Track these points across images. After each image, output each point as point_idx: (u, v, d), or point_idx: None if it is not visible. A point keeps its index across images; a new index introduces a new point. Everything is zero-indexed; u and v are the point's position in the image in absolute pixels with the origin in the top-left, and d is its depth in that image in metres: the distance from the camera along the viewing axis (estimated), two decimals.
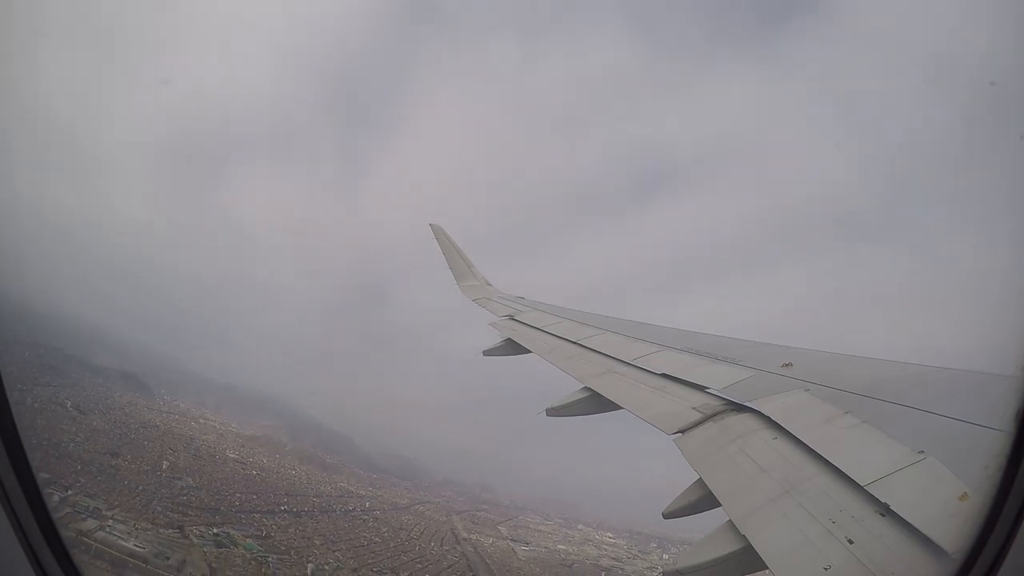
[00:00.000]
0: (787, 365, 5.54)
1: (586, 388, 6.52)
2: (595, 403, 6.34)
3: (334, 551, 38.97)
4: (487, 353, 9.75)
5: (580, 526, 70.50)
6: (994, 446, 2.39)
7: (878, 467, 3.39)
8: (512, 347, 9.14)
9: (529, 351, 8.73)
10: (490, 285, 13.58)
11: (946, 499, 2.95)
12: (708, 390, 5.46)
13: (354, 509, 49.87)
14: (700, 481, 4.20)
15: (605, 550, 62.55)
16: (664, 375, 6.10)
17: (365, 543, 42.46)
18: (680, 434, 4.79)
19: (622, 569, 54.71)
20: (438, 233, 15.03)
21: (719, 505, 3.93)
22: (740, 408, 4.89)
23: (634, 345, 7.33)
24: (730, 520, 3.56)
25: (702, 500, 4.21)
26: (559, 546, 58.57)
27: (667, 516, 4.66)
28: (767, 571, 3.18)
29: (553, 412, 6.95)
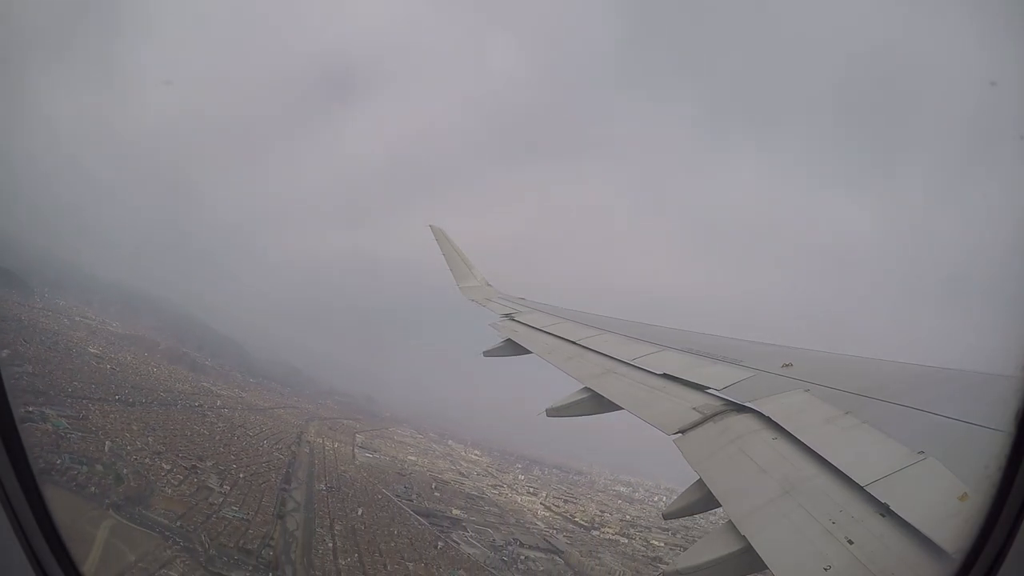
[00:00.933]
0: (787, 365, 5.53)
1: (586, 388, 6.51)
2: (595, 403, 6.34)
3: (146, 436, 39.37)
4: (487, 354, 9.75)
5: (450, 442, 73.08)
6: (994, 446, 2.39)
7: (878, 467, 3.38)
8: (512, 347, 9.14)
9: (529, 351, 8.72)
10: (490, 285, 13.57)
11: (946, 499, 2.95)
12: (708, 390, 5.45)
13: (201, 406, 50.92)
14: (700, 481, 4.20)
15: (461, 465, 64.29)
16: (664, 375, 6.09)
17: (187, 434, 43.15)
18: (680, 434, 4.79)
19: (463, 482, 55.63)
20: (438, 234, 15.02)
21: (719, 505, 3.93)
22: (740, 408, 4.88)
23: (634, 345, 7.32)
24: (730, 520, 3.56)
25: (702, 500, 4.21)
26: (410, 457, 60.04)
27: (667, 517, 4.65)
28: (767, 571, 3.18)
29: (553, 412, 6.96)
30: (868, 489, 3.23)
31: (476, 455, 69.98)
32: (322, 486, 43.20)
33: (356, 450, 56.21)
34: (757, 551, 3.23)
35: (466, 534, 42.24)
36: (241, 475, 39.57)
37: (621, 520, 54.02)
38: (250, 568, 30.45)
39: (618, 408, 5.98)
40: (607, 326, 8.59)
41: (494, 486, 58.40)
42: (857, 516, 3.13)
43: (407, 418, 77.52)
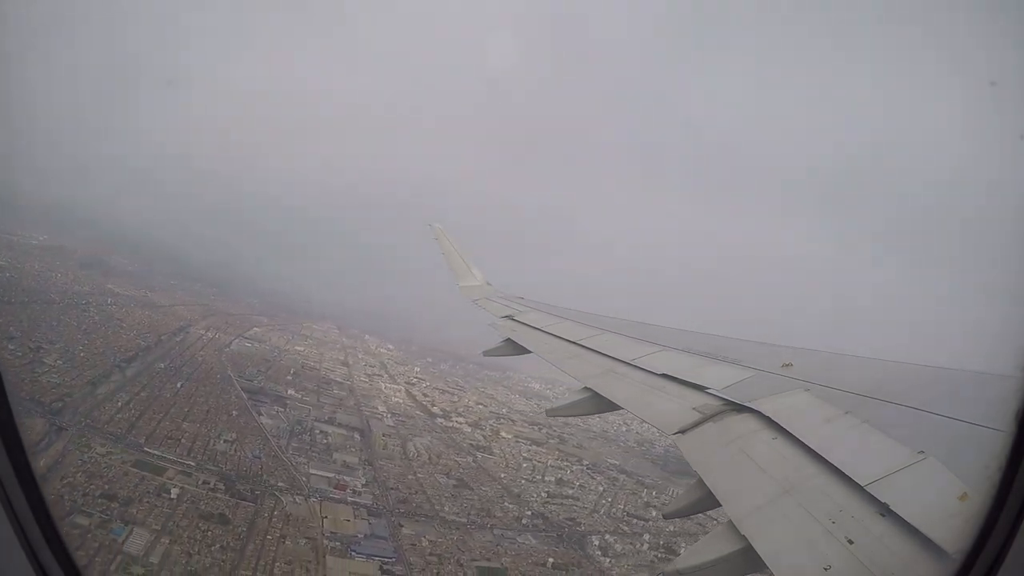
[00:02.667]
0: (787, 365, 5.53)
1: (586, 388, 6.51)
2: (595, 403, 6.34)
3: (8, 328, 39.86)
4: (487, 353, 9.76)
5: (367, 337, 74.26)
6: (994, 446, 2.38)
7: (878, 467, 3.39)
8: (512, 347, 9.14)
9: (529, 351, 8.72)
10: (490, 285, 13.58)
11: (946, 499, 2.95)
12: (708, 390, 5.45)
13: (88, 304, 51.68)
14: (700, 481, 4.20)
15: (358, 357, 64.75)
16: (664, 375, 6.09)
17: (54, 325, 43.76)
18: (680, 434, 4.79)
19: (336, 370, 56.29)
20: (439, 234, 15.04)
21: (719, 505, 3.93)
22: (740, 408, 4.88)
23: (634, 345, 7.32)
24: (730, 520, 3.56)
25: (702, 500, 4.21)
26: (297, 348, 60.44)
27: (667, 517, 4.65)
28: (767, 571, 3.18)
29: (553, 412, 6.96)
30: (868, 489, 3.23)
31: (386, 349, 70.63)
32: (162, 364, 43.62)
33: (238, 341, 56.59)
34: (757, 551, 3.23)
35: (278, 409, 42.24)
36: (82, 354, 40.04)
37: (494, 413, 54.13)
38: (40, 412, 31.31)
39: (618, 408, 5.98)
40: (607, 326, 8.59)
41: (372, 376, 58.74)
42: (857, 516, 3.13)
43: (330, 315, 78.53)
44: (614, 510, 38.95)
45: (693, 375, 5.84)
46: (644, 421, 5.40)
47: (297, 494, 31.73)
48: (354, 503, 32.60)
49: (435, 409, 52.61)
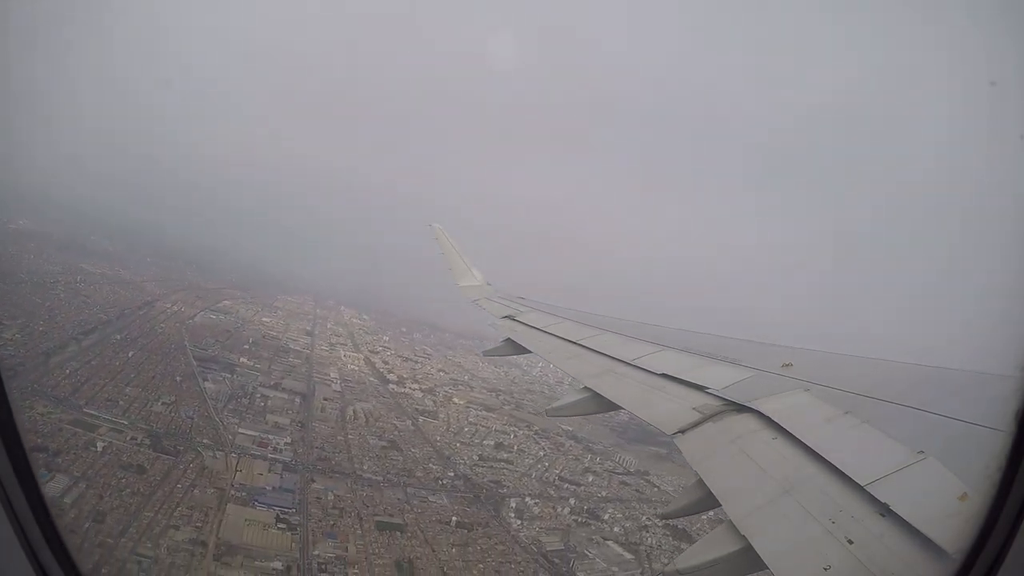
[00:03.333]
0: (787, 365, 5.53)
1: (586, 388, 6.51)
2: (595, 403, 6.34)
3: None
4: (487, 353, 9.76)
5: (343, 308, 74.53)
6: (994, 446, 2.38)
7: (878, 467, 3.39)
8: (512, 347, 9.14)
9: (529, 351, 8.73)
10: (490, 285, 13.59)
11: (946, 499, 2.95)
12: (708, 390, 5.45)
13: (57, 282, 52.52)
14: (700, 481, 4.20)
15: (327, 327, 64.68)
16: (664, 375, 6.09)
17: (19, 303, 44.53)
18: (680, 434, 4.79)
19: (299, 339, 56.15)
20: (439, 234, 15.04)
21: (719, 505, 3.93)
22: (740, 408, 4.88)
23: (634, 345, 7.32)
24: (730, 520, 3.56)
25: (702, 500, 4.21)
26: (263, 319, 60.54)
27: (666, 517, 4.66)
28: (767, 571, 3.18)
29: (553, 412, 6.96)
30: (868, 489, 3.23)
31: (360, 320, 70.71)
32: (118, 336, 43.81)
33: (204, 313, 56.73)
34: (757, 551, 3.23)
35: (225, 375, 42.34)
36: (42, 328, 40.57)
37: (453, 380, 53.76)
38: None
39: (618, 408, 5.98)
40: (607, 326, 8.59)
41: (335, 344, 58.84)
42: (857, 516, 3.13)
43: (319, 291, 78.47)
44: (547, 475, 38.31)
45: (693, 375, 5.84)
46: (644, 421, 5.40)
47: (219, 450, 32.28)
48: (273, 459, 32.88)
49: (391, 376, 52.15)
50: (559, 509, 33.81)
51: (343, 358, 55.23)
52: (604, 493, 36.35)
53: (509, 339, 9.29)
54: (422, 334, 69.25)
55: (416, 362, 58.39)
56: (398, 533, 28.30)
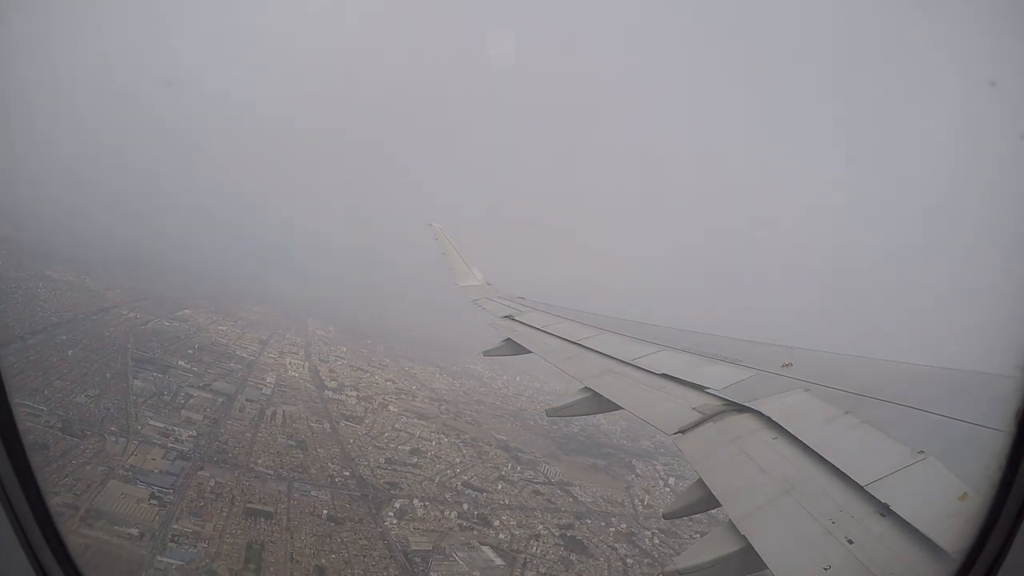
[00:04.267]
0: (787, 365, 5.53)
1: (586, 388, 6.51)
2: (595, 403, 6.34)
3: None
4: (487, 353, 9.75)
5: (309, 320, 72.17)
6: (994, 446, 2.38)
7: (878, 467, 3.39)
8: (512, 347, 9.14)
9: (529, 351, 8.73)
10: (490, 285, 13.59)
11: (946, 499, 2.95)
12: (708, 390, 5.45)
13: (16, 289, 52.16)
14: (700, 481, 4.20)
15: (284, 337, 62.67)
16: (664, 375, 6.09)
17: None
18: (680, 434, 4.79)
19: (248, 347, 55.16)
20: (439, 234, 15.05)
21: (719, 505, 3.93)
22: (740, 408, 4.88)
23: (634, 345, 7.32)
24: (730, 520, 3.56)
25: (702, 500, 4.21)
26: (220, 327, 59.16)
27: (667, 516, 4.65)
28: (767, 571, 3.18)
29: (553, 413, 6.96)
30: (868, 489, 3.23)
31: (324, 331, 70.04)
32: (64, 336, 43.44)
33: (157, 320, 55.55)
34: (757, 551, 3.23)
35: (157, 375, 41.58)
36: None
37: (399, 389, 52.33)
38: None
39: (618, 408, 5.98)
40: (607, 326, 8.59)
41: (285, 352, 57.48)
42: (857, 516, 3.13)
43: (298, 301, 77.59)
44: (452, 481, 36.99)
45: (693, 375, 5.84)
46: (644, 421, 5.40)
47: (122, 436, 32.56)
48: (171, 448, 32.84)
49: (331, 383, 51.14)
50: (447, 513, 33.12)
51: (287, 365, 54.55)
52: (507, 501, 35.39)
53: (509, 339, 9.29)
54: (388, 345, 68.53)
55: (366, 371, 57.46)
56: (263, 519, 28.28)
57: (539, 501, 36.34)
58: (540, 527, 32.31)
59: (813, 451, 3.84)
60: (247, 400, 42.55)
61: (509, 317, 10.37)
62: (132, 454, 31.22)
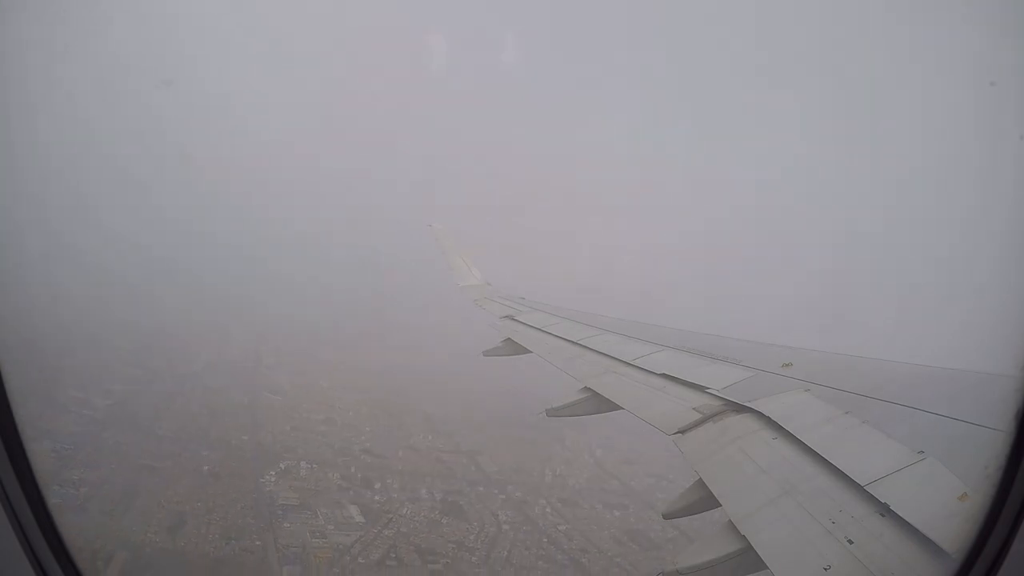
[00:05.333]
0: (787, 365, 5.54)
1: (586, 388, 6.52)
2: (595, 403, 6.34)
3: None
4: (487, 353, 9.75)
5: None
6: (994, 446, 2.39)
7: (878, 467, 3.39)
8: (512, 347, 9.14)
9: (529, 351, 8.73)
10: (489, 285, 13.59)
11: (946, 499, 2.95)
12: (708, 390, 5.45)
13: None
14: (700, 481, 4.20)
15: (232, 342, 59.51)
16: (664, 375, 6.09)
17: None
18: (680, 434, 4.79)
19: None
20: (438, 234, 15.05)
21: (719, 505, 3.94)
22: (740, 408, 4.88)
23: (634, 345, 7.33)
24: (730, 520, 3.56)
25: (702, 500, 4.21)
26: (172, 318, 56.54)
27: (667, 516, 4.65)
28: (767, 571, 3.18)
29: (553, 412, 6.96)
30: (868, 489, 3.23)
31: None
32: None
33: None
34: (757, 551, 3.23)
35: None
36: None
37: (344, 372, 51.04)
38: None
39: (618, 408, 5.98)
40: (607, 326, 8.59)
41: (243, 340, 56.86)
42: (857, 516, 3.13)
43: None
44: (351, 447, 36.35)
45: (693, 375, 5.84)
46: (644, 421, 5.40)
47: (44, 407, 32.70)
48: (85, 414, 33.37)
49: (269, 360, 50.05)
50: (330, 475, 32.13)
51: (235, 346, 52.84)
52: (401, 467, 34.02)
53: (509, 339, 9.29)
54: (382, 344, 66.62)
55: (311, 355, 56.07)
56: (147, 472, 28.78)
57: (438, 469, 35.43)
58: (424, 491, 31.86)
59: (813, 451, 3.85)
60: (175, 374, 42.35)
61: (509, 317, 10.37)
62: (46, 419, 31.38)
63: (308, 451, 34.96)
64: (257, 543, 25.49)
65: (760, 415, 4.61)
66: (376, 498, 30.58)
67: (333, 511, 28.73)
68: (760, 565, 3.25)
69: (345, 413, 41.39)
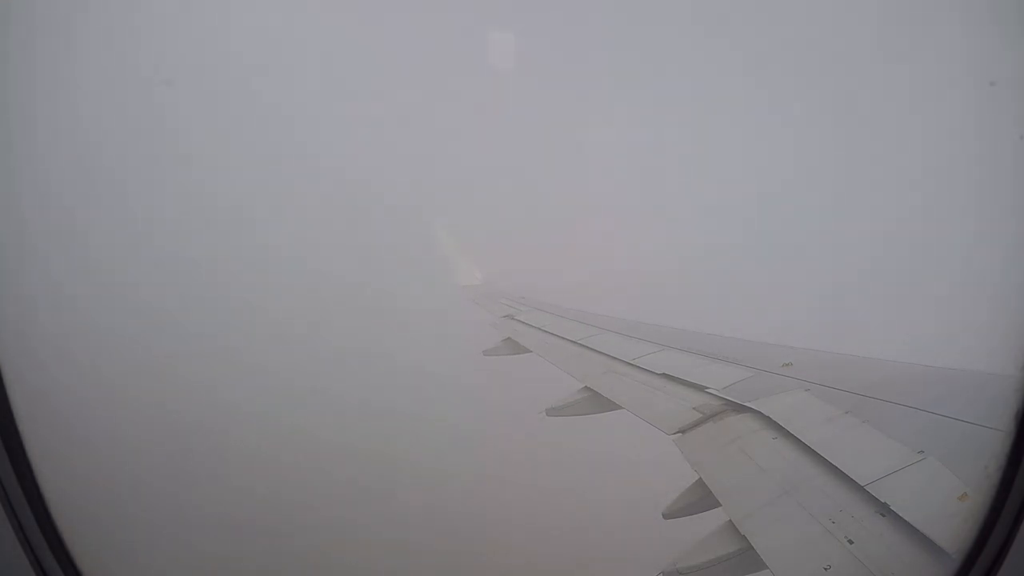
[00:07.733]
0: (787, 365, 5.53)
1: (586, 388, 6.51)
2: (595, 403, 6.33)
3: None
4: (487, 353, 9.73)
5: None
6: (994, 446, 2.39)
7: (878, 467, 3.39)
8: (512, 347, 9.14)
9: (529, 350, 8.73)
10: (490, 284, 13.60)
11: (946, 499, 2.96)
12: (708, 390, 5.45)
13: None
14: (700, 481, 4.20)
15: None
16: (664, 375, 6.09)
17: None
18: (680, 434, 4.80)
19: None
20: (438, 233, 15.06)
21: (719, 505, 3.94)
22: (740, 408, 4.88)
23: (634, 345, 7.31)
24: (730, 520, 3.57)
25: (702, 500, 4.21)
26: None
27: (667, 516, 4.66)
28: (767, 571, 3.18)
29: (553, 412, 6.96)
30: (868, 489, 3.24)
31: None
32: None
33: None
34: (757, 551, 3.23)
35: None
36: None
37: None
38: None
39: (618, 408, 5.98)
40: (608, 325, 8.58)
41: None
42: (857, 516, 3.13)
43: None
44: None
45: (693, 375, 5.83)
46: (644, 421, 5.41)
47: None
48: None
49: None
50: None
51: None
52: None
53: (509, 338, 9.30)
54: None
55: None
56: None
57: None
58: None
59: (813, 451, 3.84)
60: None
61: (509, 316, 10.37)
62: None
63: None
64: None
65: (760, 415, 4.60)
66: None
67: None
68: (760, 565, 3.25)
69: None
